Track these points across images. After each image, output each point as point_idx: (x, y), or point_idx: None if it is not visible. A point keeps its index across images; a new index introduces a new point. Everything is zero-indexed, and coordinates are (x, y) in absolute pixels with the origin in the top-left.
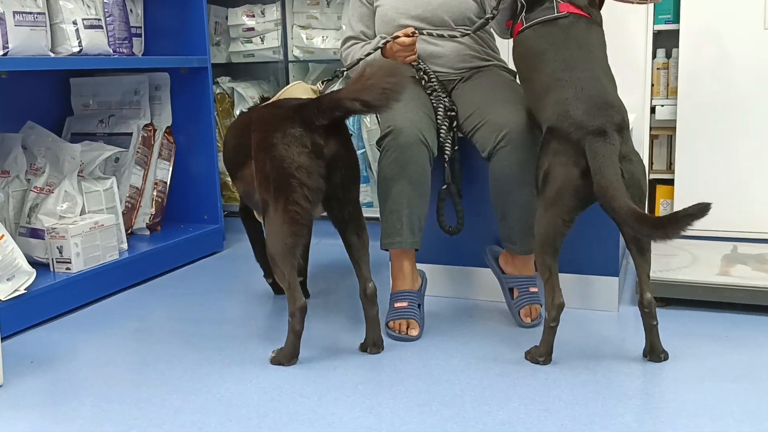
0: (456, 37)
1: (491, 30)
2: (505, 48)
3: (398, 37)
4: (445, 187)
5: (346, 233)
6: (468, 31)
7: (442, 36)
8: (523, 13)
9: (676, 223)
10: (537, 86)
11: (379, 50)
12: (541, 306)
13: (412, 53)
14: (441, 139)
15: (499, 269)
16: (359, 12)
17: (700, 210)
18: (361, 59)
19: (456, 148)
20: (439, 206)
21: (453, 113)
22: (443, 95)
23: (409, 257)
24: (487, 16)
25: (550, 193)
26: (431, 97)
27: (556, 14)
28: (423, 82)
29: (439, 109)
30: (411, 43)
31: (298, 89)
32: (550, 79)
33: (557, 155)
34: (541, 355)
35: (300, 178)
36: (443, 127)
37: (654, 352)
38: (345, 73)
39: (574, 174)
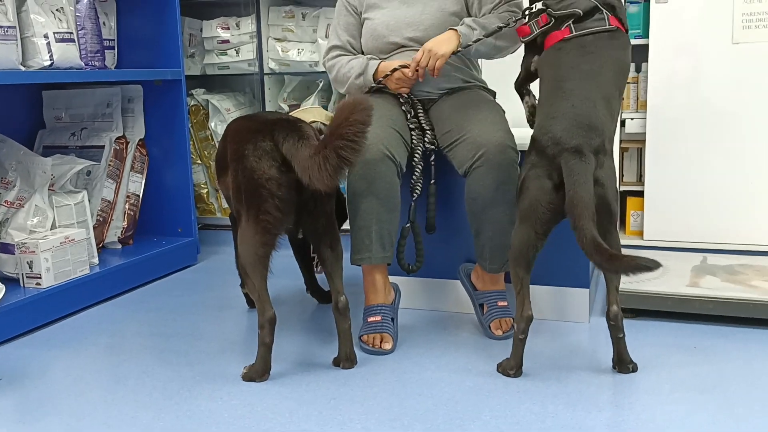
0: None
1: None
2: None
3: (404, 65)
4: (408, 225)
5: (319, 246)
6: (502, 26)
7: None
8: (570, 22)
9: (628, 264)
10: (542, 95)
11: (369, 68)
12: (512, 319)
13: (408, 87)
14: (412, 182)
15: (470, 286)
16: (345, 21)
17: (654, 265)
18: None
19: (433, 182)
20: (401, 243)
21: (432, 149)
22: (427, 130)
23: (381, 271)
24: (500, 24)
25: (523, 204)
26: (412, 133)
27: (607, 26)
28: (405, 106)
29: (417, 150)
30: (414, 79)
31: (315, 113)
32: (554, 90)
33: (533, 168)
34: (512, 368)
35: (270, 188)
36: (417, 168)
37: (622, 363)
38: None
39: (547, 187)
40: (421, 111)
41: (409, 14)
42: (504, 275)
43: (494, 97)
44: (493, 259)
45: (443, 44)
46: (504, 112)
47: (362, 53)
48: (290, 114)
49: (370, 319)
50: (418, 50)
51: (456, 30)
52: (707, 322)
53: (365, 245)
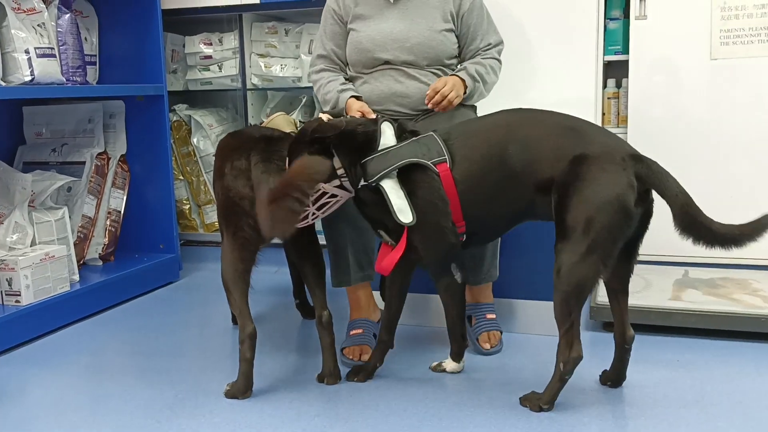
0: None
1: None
2: None
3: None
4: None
5: (301, 261)
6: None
7: (410, 75)
8: None
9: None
10: None
11: (340, 102)
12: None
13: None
14: None
15: None
16: (331, 30)
17: None
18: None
19: None
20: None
21: None
22: None
23: (363, 288)
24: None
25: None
26: None
27: None
28: None
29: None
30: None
31: (282, 120)
32: None
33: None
34: (546, 402)
35: (243, 207)
36: None
37: (620, 381)
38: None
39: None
40: None
41: (396, 30)
42: (492, 288)
43: (475, 111)
44: (475, 273)
45: (458, 92)
46: None
47: (347, 64)
48: (266, 126)
49: (353, 332)
50: (401, 68)
51: (464, 81)
52: (689, 335)
53: (342, 268)
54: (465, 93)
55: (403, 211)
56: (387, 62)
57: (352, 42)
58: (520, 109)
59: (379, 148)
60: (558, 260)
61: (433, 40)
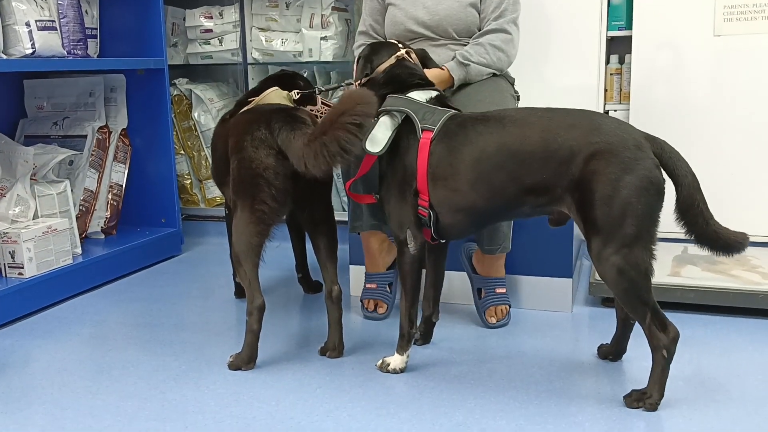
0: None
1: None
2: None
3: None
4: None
5: (315, 235)
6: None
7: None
8: None
9: None
10: None
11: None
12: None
13: None
14: None
15: (471, 268)
16: (370, 6)
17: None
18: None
19: None
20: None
21: None
22: None
23: (376, 238)
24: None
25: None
26: None
27: None
28: None
29: None
30: None
31: (275, 96)
32: None
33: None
34: (659, 399)
35: (267, 178)
36: None
37: (619, 355)
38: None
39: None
40: None
41: (427, 3)
42: (505, 263)
43: (513, 84)
44: (491, 240)
45: (440, 83)
46: (517, 97)
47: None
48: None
49: (368, 285)
50: (434, 38)
51: (451, 74)
52: (688, 311)
53: (357, 215)
54: (454, 81)
55: (374, 141)
56: (420, 35)
57: (388, 17)
58: (522, 108)
59: (407, 94)
60: (606, 259)
61: (461, 13)
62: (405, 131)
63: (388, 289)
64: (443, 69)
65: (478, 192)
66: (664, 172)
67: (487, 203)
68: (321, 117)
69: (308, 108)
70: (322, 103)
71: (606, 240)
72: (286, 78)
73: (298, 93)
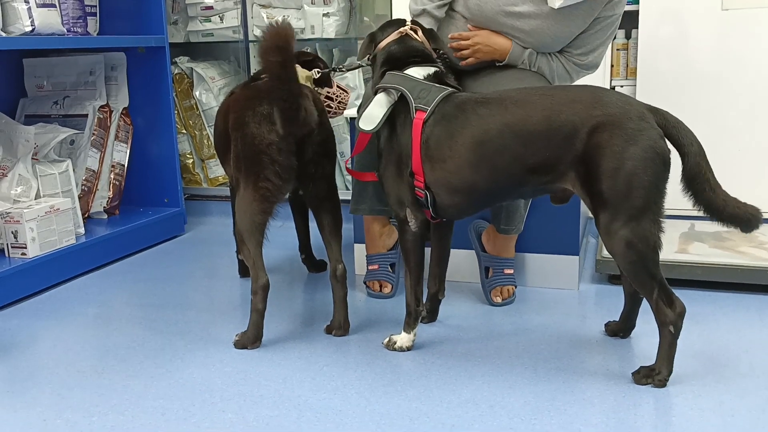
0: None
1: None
2: None
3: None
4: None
5: (319, 212)
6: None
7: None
8: None
9: None
10: None
11: None
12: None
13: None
14: None
15: (480, 246)
16: None
17: None
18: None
19: None
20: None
21: None
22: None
23: (378, 222)
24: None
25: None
26: None
27: None
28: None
29: None
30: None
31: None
32: None
33: None
34: (667, 375)
35: (270, 154)
36: None
37: (628, 332)
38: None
39: None
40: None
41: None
42: (515, 243)
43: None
44: (508, 220)
45: (494, 50)
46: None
47: None
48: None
49: (370, 267)
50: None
51: (512, 44)
52: (696, 287)
53: (362, 197)
54: (503, 60)
55: (368, 118)
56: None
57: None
58: (523, 89)
59: (405, 71)
60: (615, 233)
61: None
62: (401, 109)
63: (390, 269)
64: (509, 40)
65: (480, 174)
66: (669, 143)
67: (489, 185)
68: (336, 99)
69: (325, 90)
70: (337, 86)
71: (614, 213)
72: (305, 58)
73: (318, 72)
